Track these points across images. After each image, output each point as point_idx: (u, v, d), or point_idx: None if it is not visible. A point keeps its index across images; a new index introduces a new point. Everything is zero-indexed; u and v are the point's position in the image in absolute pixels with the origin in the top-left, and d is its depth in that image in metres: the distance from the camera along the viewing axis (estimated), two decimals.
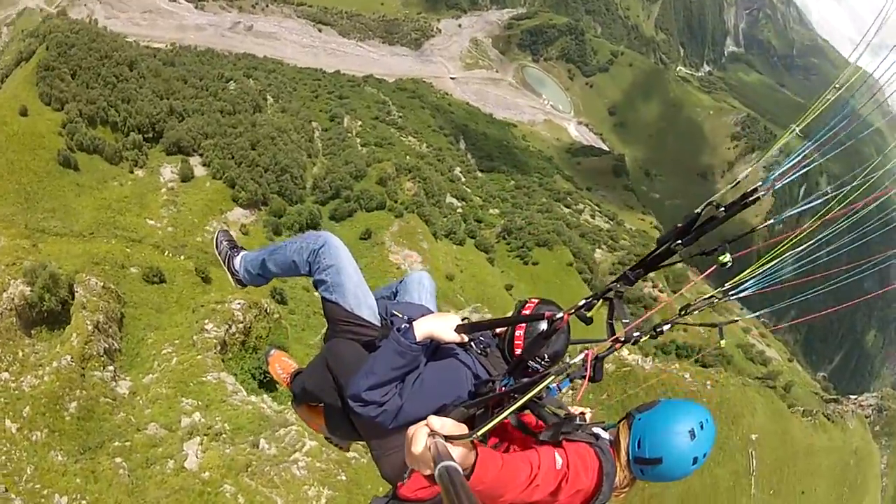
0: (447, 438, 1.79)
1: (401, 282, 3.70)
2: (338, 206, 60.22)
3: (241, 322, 26.57)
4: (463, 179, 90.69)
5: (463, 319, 2.81)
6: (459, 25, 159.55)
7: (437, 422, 1.83)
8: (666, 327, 2.40)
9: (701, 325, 3.04)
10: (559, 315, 2.58)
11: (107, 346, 23.04)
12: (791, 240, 2.17)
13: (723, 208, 2.03)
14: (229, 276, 3.77)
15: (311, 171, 66.26)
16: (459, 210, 76.93)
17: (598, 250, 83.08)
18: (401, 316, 2.99)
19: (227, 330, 25.83)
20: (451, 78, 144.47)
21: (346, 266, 3.15)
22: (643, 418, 2.48)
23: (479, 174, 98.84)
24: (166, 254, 37.73)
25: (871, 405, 70.02)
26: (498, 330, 2.95)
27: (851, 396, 77.79)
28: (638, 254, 77.35)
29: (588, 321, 2.47)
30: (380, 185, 63.27)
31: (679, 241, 2.15)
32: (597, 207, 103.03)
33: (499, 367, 2.84)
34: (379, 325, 3.11)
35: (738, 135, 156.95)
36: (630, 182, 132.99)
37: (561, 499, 2.24)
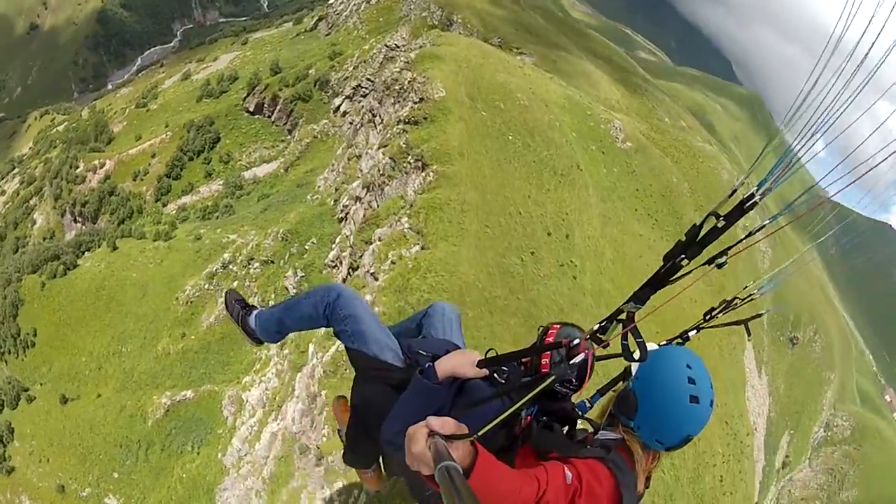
0: (447, 438, 1.76)
1: (424, 314, 3.78)
2: None
3: None
4: None
5: (486, 352, 2.83)
6: None
7: (436, 422, 1.80)
8: (692, 333, 2.37)
9: (726, 325, 3.02)
10: (577, 340, 2.62)
11: None
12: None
13: (722, 218, 2.06)
14: (245, 337, 3.78)
15: None
16: None
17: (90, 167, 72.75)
18: (425, 354, 3.06)
19: None
20: None
21: (363, 314, 3.29)
22: (641, 424, 2.38)
23: None
24: None
25: None
26: (524, 361, 2.95)
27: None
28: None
29: (604, 344, 2.50)
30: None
31: (684, 256, 2.17)
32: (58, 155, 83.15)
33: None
34: (403, 366, 3.20)
35: None
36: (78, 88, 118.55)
37: None
